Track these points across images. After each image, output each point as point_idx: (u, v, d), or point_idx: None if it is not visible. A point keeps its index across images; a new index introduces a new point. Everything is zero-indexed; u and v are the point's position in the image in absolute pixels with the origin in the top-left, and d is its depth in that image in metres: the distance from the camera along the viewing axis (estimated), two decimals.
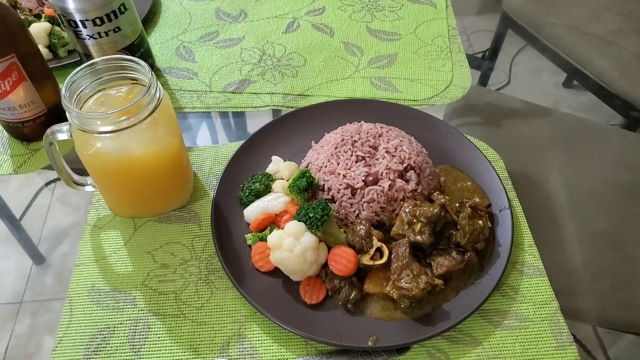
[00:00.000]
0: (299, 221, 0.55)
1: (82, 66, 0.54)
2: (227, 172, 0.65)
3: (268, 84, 0.78)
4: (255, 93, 0.77)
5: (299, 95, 0.77)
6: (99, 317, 0.56)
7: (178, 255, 0.60)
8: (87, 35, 0.68)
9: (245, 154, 0.67)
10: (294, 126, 0.70)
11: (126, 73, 0.55)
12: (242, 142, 0.69)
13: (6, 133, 0.73)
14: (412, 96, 0.77)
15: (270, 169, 0.64)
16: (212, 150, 0.71)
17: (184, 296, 0.57)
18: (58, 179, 0.68)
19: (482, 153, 0.66)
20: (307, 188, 0.59)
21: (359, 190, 0.59)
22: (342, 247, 0.55)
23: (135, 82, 0.57)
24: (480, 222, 0.58)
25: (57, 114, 0.71)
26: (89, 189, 0.62)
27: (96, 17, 0.67)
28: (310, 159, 0.65)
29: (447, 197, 0.59)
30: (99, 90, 0.56)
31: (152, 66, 0.78)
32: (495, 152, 0.70)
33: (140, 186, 0.58)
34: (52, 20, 0.81)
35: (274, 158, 0.65)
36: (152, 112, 0.53)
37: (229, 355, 0.53)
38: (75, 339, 0.54)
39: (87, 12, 0.66)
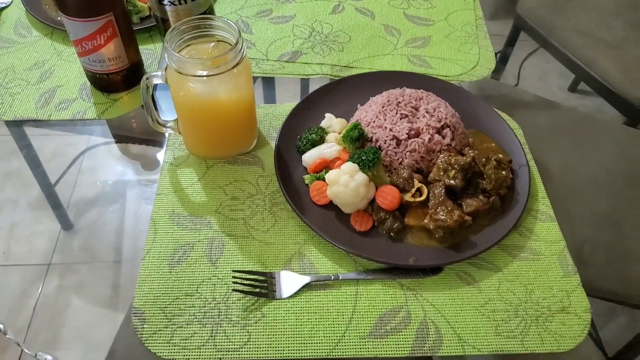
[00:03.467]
0: (353, 162, 0.66)
1: (183, 21, 0.64)
2: (286, 124, 0.75)
3: (317, 56, 0.89)
4: (306, 63, 0.88)
5: (345, 66, 0.88)
6: (180, 235, 0.66)
7: (246, 190, 0.71)
8: (168, 1, 0.79)
9: (301, 111, 0.78)
10: (343, 90, 0.81)
11: (215, 31, 0.66)
12: (297, 101, 0.79)
13: (89, 84, 0.84)
14: (445, 72, 0.87)
15: (324, 123, 0.75)
16: (271, 109, 0.81)
17: (252, 222, 0.68)
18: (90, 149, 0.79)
19: (505, 121, 0.77)
20: (358, 138, 0.70)
21: (403, 142, 0.69)
22: (388, 185, 0.66)
23: (219, 40, 0.67)
24: (503, 172, 0.68)
25: (136, 70, 0.82)
26: (169, 131, 0.73)
27: None
28: (358, 116, 0.75)
29: (476, 152, 0.70)
30: (188, 45, 0.67)
31: None
32: (515, 122, 0.81)
33: (219, 127, 0.69)
34: None
35: (327, 115, 0.76)
36: (237, 64, 0.63)
37: (291, 268, 0.63)
38: (160, 252, 0.65)
39: None
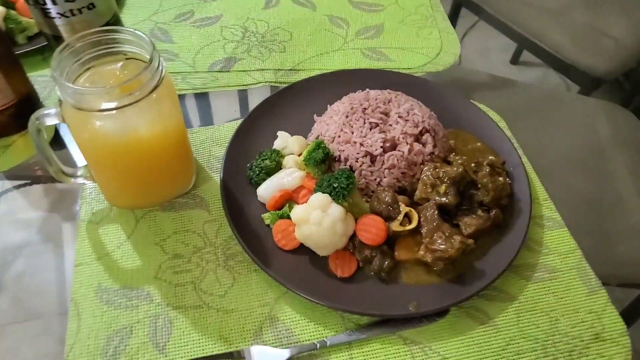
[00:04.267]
0: (322, 193, 0.52)
1: (72, 39, 0.48)
2: (230, 151, 0.61)
3: (256, 61, 0.75)
4: (244, 70, 0.73)
5: (290, 70, 0.74)
6: (112, 317, 0.51)
7: (190, 243, 0.56)
8: (57, 13, 0.62)
9: (246, 132, 0.63)
10: (293, 100, 0.67)
11: (121, 47, 0.50)
12: (240, 120, 0.65)
13: None
14: (406, 64, 0.75)
15: (277, 144, 0.61)
16: (208, 132, 0.66)
17: (204, 285, 0.53)
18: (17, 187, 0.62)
19: (487, 114, 0.66)
20: (323, 160, 0.56)
21: (378, 157, 0.57)
22: (369, 215, 0.53)
23: (129, 57, 0.52)
24: (500, 178, 0.57)
25: (27, 105, 0.65)
26: (80, 180, 0.57)
27: None
28: (318, 131, 0.62)
29: (464, 157, 0.58)
30: (88, 69, 0.51)
31: None
32: (496, 114, 0.70)
33: (144, 170, 0.53)
34: (6, 3, 0.74)
35: (280, 134, 0.62)
36: (156, 86, 0.48)
37: (263, 341, 0.49)
38: (89, 345, 0.49)
39: None
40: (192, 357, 0.48)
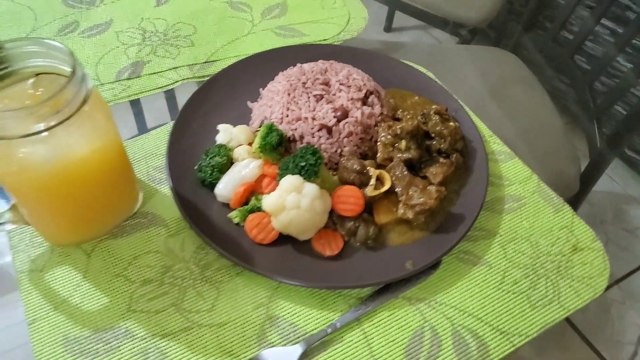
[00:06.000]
0: (291, 174, 0.49)
1: None
2: (171, 157, 0.55)
3: (165, 60, 0.69)
4: (156, 72, 0.67)
5: (206, 62, 0.69)
6: None
7: (156, 265, 0.50)
8: None
9: (181, 134, 0.58)
10: (221, 92, 0.62)
11: (29, 62, 0.43)
12: (171, 122, 0.59)
13: None
14: (322, 36, 0.74)
15: (221, 139, 0.57)
16: (138, 142, 0.60)
17: (187, 305, 0.48)
18: None
19: (417, 69, 0.67)
20: (280, 142, 0.53)
21: (334, 128, 0.55)
22: (343, 187, 0.51)
23: (38, 73, 0.44)
24: (451, 124, 0.58)
25: None
26: (7, 226, 0.48)
27: None
28: (261, 115, 0.58)
29: (410, 111, 0.58)
30: None
31: None
32: (420, 66, 0.71)
33: (86, 195, 0.46)
34: None
35: (222, 127, 0.57)
36: (85, 99, 0.42)
37: (270, 344, 0.46)
38: None
39: None
40: None
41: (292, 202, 0.48)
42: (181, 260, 0.51)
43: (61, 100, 0.40)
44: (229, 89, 0.63)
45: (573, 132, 1.50)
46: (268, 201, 0.49)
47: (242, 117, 0.61)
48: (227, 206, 0.53)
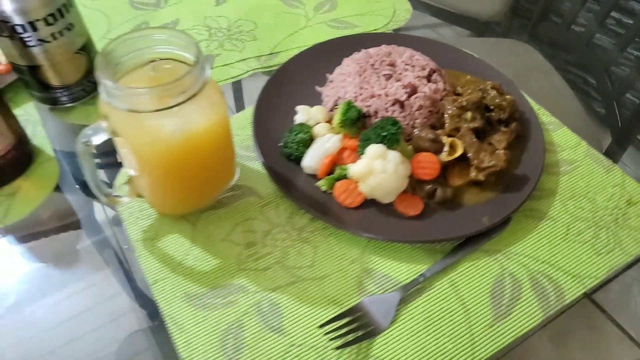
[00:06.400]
0: (374, 144, 0.55)
1: (112, 43, 0.46)
2: (257, 136, 0.61)
3: (233, 53, 0.75)
4: (226, 64, 0.73)
5: (271, 54, 0.75)
6: (216, 319, 0.49)
7: (256, 230, 0.56)
8: (38, 40, 0.57)
9: (262, 116, 0.64)
10: (291, 78, 0.68)
11: (159, 48, 0.49)
12: (249, 108, 0.65)
13: None
14: (372, 27, 0.80)
15: (300, 119, 0.62)
16: None
17: (290, 262, 0.53)
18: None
19: (464, 50, 0.73)
20: (359, 117, 0.59)
21: (405, 103, 0.60)
22: (421, 154, 0.57)
23: (153, 60, 0.50)
24: (508, 96, 0.63)
25: (23, 146, 0.59)
26: (125, 199, 0.54)
27: (48, 15, 0.57)
28: (334, 96, 0.64)
29: (472, 87, 0.64)
30: (122, 76, 0.49)
31: None
32: (467, 49, 0.77)
33: (199, 167, 0.52)
34: None
35: (300, 108, 0.63)
36: (206, 82, 0.47)
37: (370, 292, 0.51)
38: (205, 351, 0.47)
39: (36, 9, 0.56)
40: (310, 327, 0.49)
41: (379, 167, 0.53)
42: (278, 225, 0.56)
43: (187, 81, 0.45)
44: (297, 75, 0.69)
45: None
46: (356, 168, 0.54)
47: (313, 99, 0.66)
48: (312, 177, 0.59)
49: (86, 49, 0.63)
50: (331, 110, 0.63)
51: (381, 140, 0.55)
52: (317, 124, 0.62)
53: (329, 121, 0.62)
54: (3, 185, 0.58)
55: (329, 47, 0.72)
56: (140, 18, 0.80)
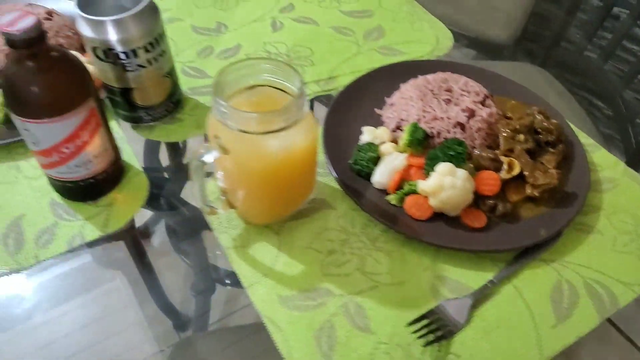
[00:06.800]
0: (443, 162, 0.61)
1: (232, 66, 0.53)
2: (330, 153, 0.67)
3: None
4: None
5: (329, 78, 0.81)
6: (309, 319, 0.55)
7: (335, 239, 0.61)
8: (137, 65, 0.63)
9: (330, 136, 0.69)
10: (354, 101, 0.75)
11: (262, 76, 0.55)
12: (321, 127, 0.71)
13: (58, 199, 0.63)
14: (418, 54, 0.87)
15: (367, 138, 0.68)
16: None
17: (368, 268, 0.59)
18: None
19: (508, 78, 0.79)
20: (425, 138, 0.65)
21: (466, 125, 0.67)
22: (484, 171, 0.63)
23: (253, 86, 0.56)
24: (553, 120, 0.70)
25: (118, 161, 0.65)
26: (220, 210, 0.59)
27: (147, 43, 0.63)
28: (396, 118, 0.70)
29: (518, 112, 0.71)
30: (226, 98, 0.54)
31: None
32: (502, 74, 0.83)
33: (291, 182, 0.58)
34: None
35: (365, 129, 0.69)
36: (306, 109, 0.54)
37: (443, 297, 0.57)
38: (303, 347, 0.52)
39: (138, 39, 0.62)
40: (396, 326, 0.54)
41: (449, 183, 0.59)
42: (353, 234, 0.62)
43: (294, 108, 0.51)
44: (358, 98, 0.75)
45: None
46: (427, 184, 0.60)
47: (370, 120, 0.72)
48: (380, 191, 0.65)
49: (171, 72, 0.69)
50: (393, 130, 0.70)
51: (450, 158, 0.61)
52: (382, 143, 0.68)
53: (393, 141, 0.68)
54: (101, 197, 0.63)
55: (384, 73, 0.78)
56: (204, 43, 0.86)
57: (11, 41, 0.49)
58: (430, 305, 0.56)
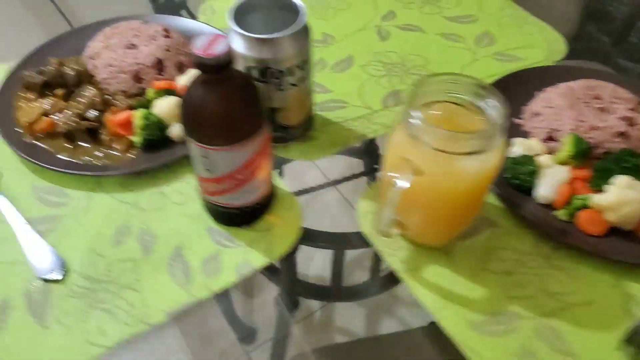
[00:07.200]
0: (621, 175, 0.59)
1: (433, 79, 0.51)
2: None
3: None
4: None
5: None
6: (504, 345, 0.52)
7: (506, 259, 0.59)
8: (290, 85, 0.61)
9: None
10: None
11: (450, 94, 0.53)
12: None
13: (214, 227, 0.61)
14: (536, 59, 0.84)
15: (519, 151, 0.66)
16: None
17: (551, 288, 0.57)
18: None
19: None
20: (588, 149, 0.63)
21: (624, 134, 0.64)
22: None
23: (438, 101, 0.54)
24: None
25: (273, 185, 0.63)
26: (393, 232, 0.57)
27: (302, 60, 0.60)
28: (546, 128, 0.67)
29: None
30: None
31: None
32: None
33: (474, 200, 0.55)
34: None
35: (517, 140, 0.67)
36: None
37: (636, 315, 0.54)
38: None
39: (294, 57, 0.59)
40: (601, 349, 0.52)
41: (632, 197, 0.57)
42: (524, 253, 0.60)
43: (496, 132, 0.49)
44: None
45: None
46: (605, 199, 0.58)
47: (511, 131, 0.70)
48: (544, 206, 0.62)
49: (312, 90, 0.67)
50: (544, 141, 0.67)
51: (625, 171, 0.59)
52: (536, 155, 0.65)
53: (548, 152, 0.66)
54: (253, 223, 0.61)
55: (512, 80, 0.76)
56: (317, 54, 0.84)
57: (204, 65, 0.47)
58: (624, 324, 0.54)
